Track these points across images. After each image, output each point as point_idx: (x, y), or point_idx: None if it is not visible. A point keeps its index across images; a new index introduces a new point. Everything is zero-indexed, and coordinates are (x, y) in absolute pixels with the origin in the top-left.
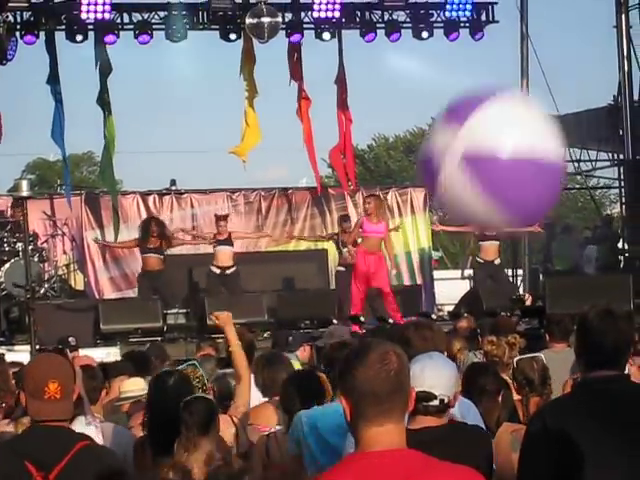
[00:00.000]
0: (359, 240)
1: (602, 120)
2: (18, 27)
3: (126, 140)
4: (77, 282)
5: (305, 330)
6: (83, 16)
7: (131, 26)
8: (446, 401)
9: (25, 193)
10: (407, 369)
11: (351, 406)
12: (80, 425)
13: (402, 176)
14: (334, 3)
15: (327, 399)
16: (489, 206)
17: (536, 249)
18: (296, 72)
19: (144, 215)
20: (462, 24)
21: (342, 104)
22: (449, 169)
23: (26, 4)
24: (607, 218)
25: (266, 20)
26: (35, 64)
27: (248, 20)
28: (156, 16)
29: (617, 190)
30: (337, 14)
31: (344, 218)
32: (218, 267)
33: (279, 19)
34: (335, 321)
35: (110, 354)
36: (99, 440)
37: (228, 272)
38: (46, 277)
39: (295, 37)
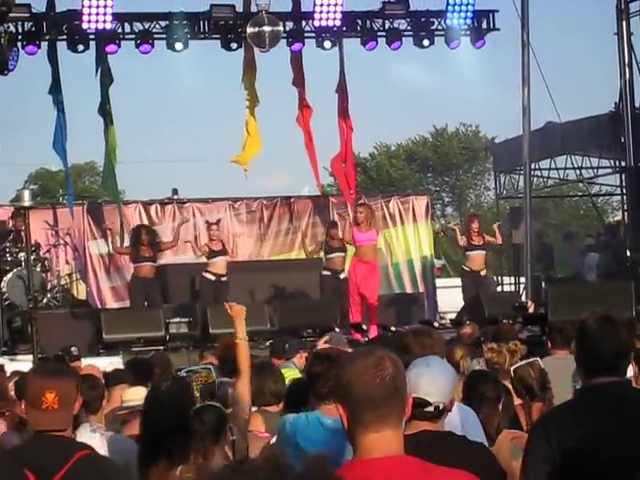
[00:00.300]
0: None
1: (603, 127)
2: (19, 37)
3: (128, 150)
4: (79, 292)
5: (308, 338)
6: (84, 26)
7: (132, 36)
8: (441, 408)
9: (27, 203)
10: (403, 374)
11: (348, 413)
12: (85, 432)
13: (404, 184)
14: (335, 12)
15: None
16: None
17: (538, 256)
18: (298, 80)
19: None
20: (463, 32)
21: (343, 112)
22: None
23: (27, 14)
24: (611, 226)
25: (267, 29)
26: (37, 74)
27: (249, 29)
28: (157, 25)
29: (619, 197)
30: (338, 22)
31: (332, 225)
32: (213, 274)
33: (280, 28)
34: (337, 329)
35: (112, 363)
36: (104, 447)
37: (223, 279)
38: (48, 287)
39: (296, 46)
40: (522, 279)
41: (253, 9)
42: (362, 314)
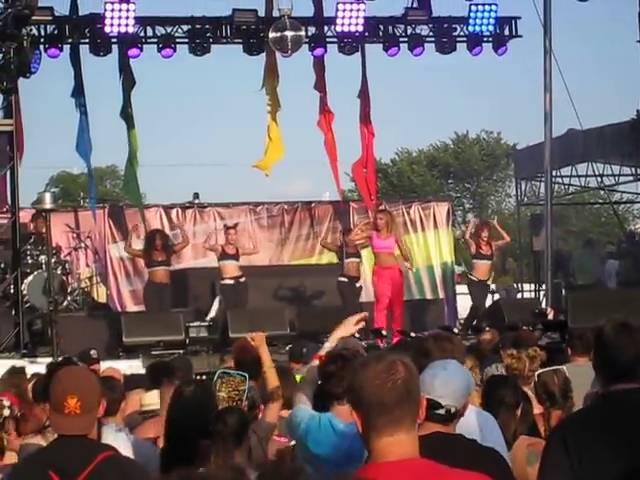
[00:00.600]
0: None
1: (625, 135)
2: (42, 40)
3: (149, 153)
4: (99, 295)
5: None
6: (107, 30)
7: (155, 40)
8: (452, 411)
9: (48, 206)
10: (415, 378)
11: (361, 418)
12: (111, 432)
13: (425, 190)
14: (357, 17)
15: None
16: None
17: (559, 264)
18: (320, 85)
19: (167, 228)
20: (485, 39)
21: (365, 118)
22: None
23: (50, 17)
24: (632, 233)
25: (289, 34)
26: (59, 77)
27: (271, 34)
28: (180, 30)
29: None
30: (360, 28)
31: (347, 231)
32: (229, 278)
33: (302, 33)
34: (357, 334)
35: (132, 366)
36: (129, 447)
37: (241, 280)
38: (69, 290)
39: (318, 51)
40: (542, 286)
41: (275, 14)
42: (387, 320)
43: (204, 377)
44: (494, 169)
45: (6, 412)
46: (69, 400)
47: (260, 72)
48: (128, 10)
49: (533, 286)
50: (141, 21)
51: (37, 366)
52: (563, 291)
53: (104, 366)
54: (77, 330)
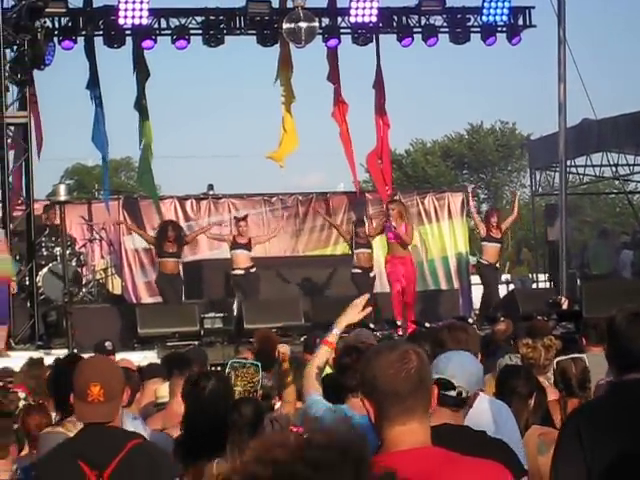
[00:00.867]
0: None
1: None
2: (56, 32)
3: (164, 145)
4: (114, 286)
5: (342, 334)
6: (121, 21)
7: (169, 31)
8: (463, 395)
9: (63, 198)
10: (427, 367)
11: (374, 407)
12: (128, 420)
13: (439, 181)
14: (371, 8)
15: None
16: None
17: (574, 253)
18: (334, 76)
19: (182, 220)
20: (499, 28)
21: (380, 109)
22: None
23: (64, 10)
24: None
25: (303, 25)
26: (74, 69)
27: (285, 25)
28: (193, 21)
29: None
30: (374, 19)
31: (359, 223)
32: (240, 269)
33: (316, 24)
34: (372, 325)
35: (147, 358)
36: (145, 434)
37: (252, 271)
38: (84, 281)
39: (332, 42)
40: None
41: (289, 5)
42: (402, 310)
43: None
44: (508, 159)
45: (21, 404)
46: (92, 388)
47: (274, 63)
48: (142, 2)
49: (547, 276)
50: (155, 13)
51: (52, 358)
52: (578, 281)
53: (119, 358)
54: (92, 322)
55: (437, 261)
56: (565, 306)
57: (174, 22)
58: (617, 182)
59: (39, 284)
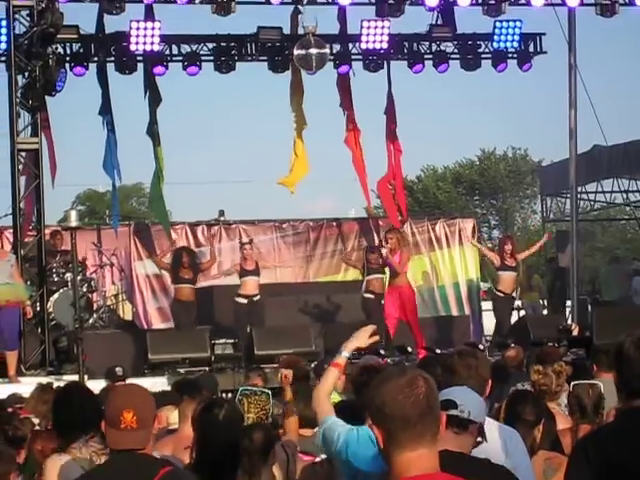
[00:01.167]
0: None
1: None
2: (67, 59)
3: (175, 171)
4: (125, 312)
5: (353, 360)
6: (132, 48)
7: (180, 57)
8: (466, 415)
9: (74, 223)
10: (435, 393)
11: (383, 433)
12: None
13: (451, 207)
14: (382, 34)
15: None
16: None
17: (585, 280)
18: (346, 102)
19: (193, 246)
20: (510, 55)
21: (391, 135)
22: None
23: (75, 36)
24: None
25: (314, 51)
26: (86, 95)
27: (296, 51)
28: (205, 47)
29: None
30: (385, 45)
31: (370, 249)
32: (244, 297)
33: (327, 50)
34: (382, 351)
35: (157, 384)
36: None
37: (255, 299)
38: (94, 307)
39: (343, 68)
40: (568, 302)
41: (300, 31)
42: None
43: (230, 395)
44: (520, 186)
45: (37, 427)
46: (125, 415)
47: (285, 89)
48: (153, 28)
49: (547, 302)
50: (166, 39)
51: (63, 384)
52: (589, 307)
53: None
54: (103, 347)
55: (448, 287)
56: (575, 332)
57: (185, 48)
58: (628, 208)
59: (50, 310)
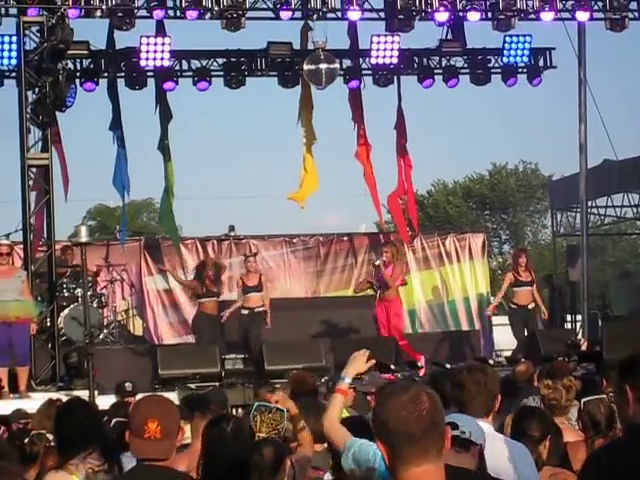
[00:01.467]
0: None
1: None
2: (78, 74)
3: (185, 186)
4: (136, 327)
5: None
6: (142, 63)
7: (190, 73)
8: (467, 435)
9: (84, 239)
10: (440, 408)
11: (388, 449)
12: None
13: (461, 221)
14: (392, 49)
15: None
16: None
17: (595, 295)
18: (357, 117)
19: None
20: (520, 69)
21: (401, 149)
22: None
23: (86, 52)
24: None
25: (324, 66)
26: (97, 110)
27: (306, 66)
28: (215, 63)
29: None
30: (395, 60)
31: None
32: (247, 308)
33: (337, 65)
34: (392, 366)
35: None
36: None
37: (257, 310)
38: (105, 322)
39: (353, 83)
40: (579, 317)
41: (310, 47)
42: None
43: (240, 410)
44: (530, 200)
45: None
46: (149, 424)
47: (295, 104)
48: (164, 44)
49: (569, 317)
50: (176, 55)
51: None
52: (599, 322)
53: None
54: (113, 363)
55: (458, 302)
56: (584, 347)
57: (195, 64)
58: (639, 223)
59: (60, 325)
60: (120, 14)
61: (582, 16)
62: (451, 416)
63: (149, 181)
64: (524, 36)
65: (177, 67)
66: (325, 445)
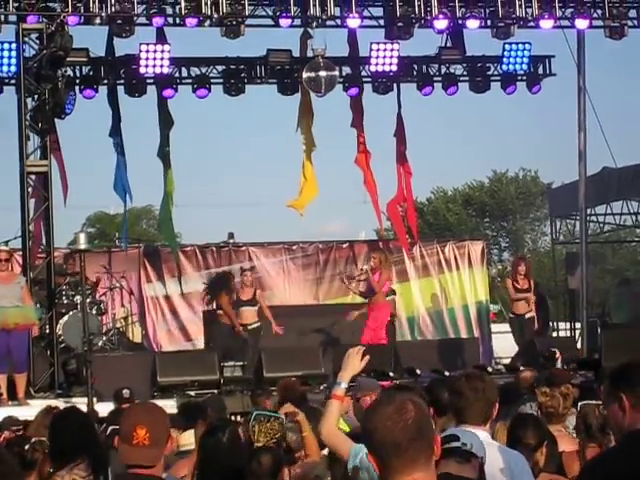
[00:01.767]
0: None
1: None
2: (77, 81)
3: (184, 193)
4: (135, 335)
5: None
6: (142, 70)
7: (190, 80)
8: (468, 447)
9: (83, 246)
10: (426, 416)
11: (377, 460)
12: None
13: (461, 229)
14: (391, 57)
15: None
16: None
17: (595, 302)
18: (358, 123)
19: (203, 268)
20: (519, 77)
21: (401, 157)
22: None
23: (85, 59)
24: None
25: (323, 74)
26: (96, 117)
27: (305, 74)
28: (214, 70)
29: None
30: (394, 68)
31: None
32: (242, 325)
33: (336, 73)
34: (391, 373)
35: (166, 406)
36: None
37: (251, 327)
38: (104, 330)
39: (353, 90)
40: (578, 324)
41: (309, 54)
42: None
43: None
44: (530, 208)
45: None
46: (138, 431)
47: (294, 112)
48: (163, 51)
49: (568, 325)
50: (176, 62)
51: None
52: (598, 330)
53: None
54: (112, 370)
55: (457, 309)
56: (559, 360)
57: (195, 71)
58: (638, 230)
59: (59, 332)
60: (119, 21)
61: (581, 24)
62: (453, 429)
63: (149, 188)
64: (523, 44)
65: (176, 74)
66: (325, 452)
